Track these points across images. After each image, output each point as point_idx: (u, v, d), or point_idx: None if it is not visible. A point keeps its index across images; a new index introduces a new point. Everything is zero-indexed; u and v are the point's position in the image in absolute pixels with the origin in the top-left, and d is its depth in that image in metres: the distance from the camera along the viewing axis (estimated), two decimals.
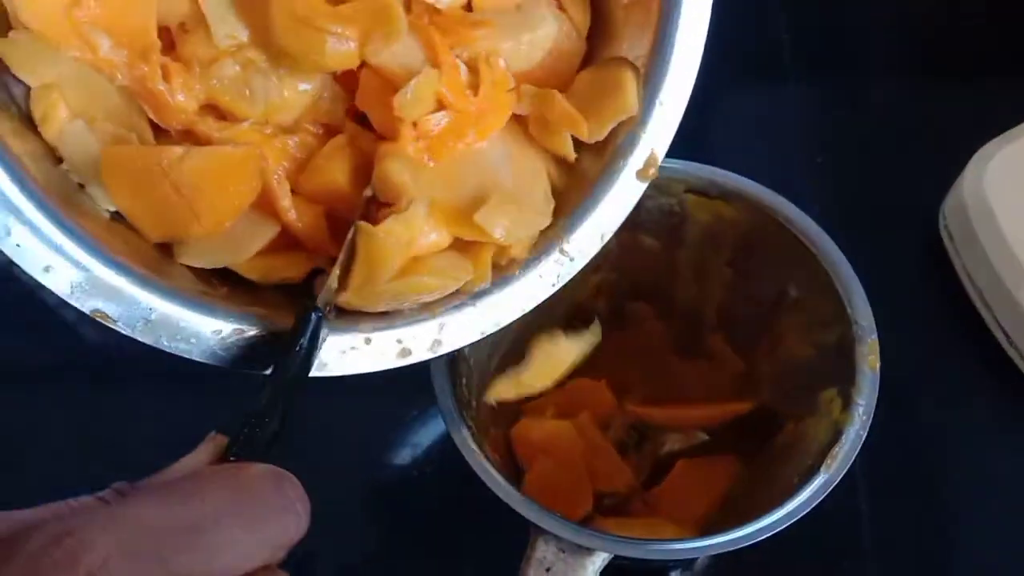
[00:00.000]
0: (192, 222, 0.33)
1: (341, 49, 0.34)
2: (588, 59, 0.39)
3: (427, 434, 0.56)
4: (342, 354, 0.34)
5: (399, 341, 0.35)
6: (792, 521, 0.41)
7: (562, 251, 0.36)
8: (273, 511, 0.27)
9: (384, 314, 0.35)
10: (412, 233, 0.34)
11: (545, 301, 0.37)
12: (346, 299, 0.34)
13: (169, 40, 0.35)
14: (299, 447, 0.53)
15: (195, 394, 0.54)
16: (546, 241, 0.36)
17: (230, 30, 0.34)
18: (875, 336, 0.44)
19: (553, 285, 0.37)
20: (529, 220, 0.36)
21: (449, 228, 0.35)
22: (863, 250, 0.59)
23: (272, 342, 0.33)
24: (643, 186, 0.37)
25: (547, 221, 0.36)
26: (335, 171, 0.35)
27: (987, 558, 0.54)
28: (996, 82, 0.67)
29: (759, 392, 0.52)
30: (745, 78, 0.70)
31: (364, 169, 0.35)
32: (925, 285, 0.61)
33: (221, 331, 0.33)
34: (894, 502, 0.54)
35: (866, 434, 0.42)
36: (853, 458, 0.42)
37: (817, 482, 0.41)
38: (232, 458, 0.29)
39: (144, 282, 0.32)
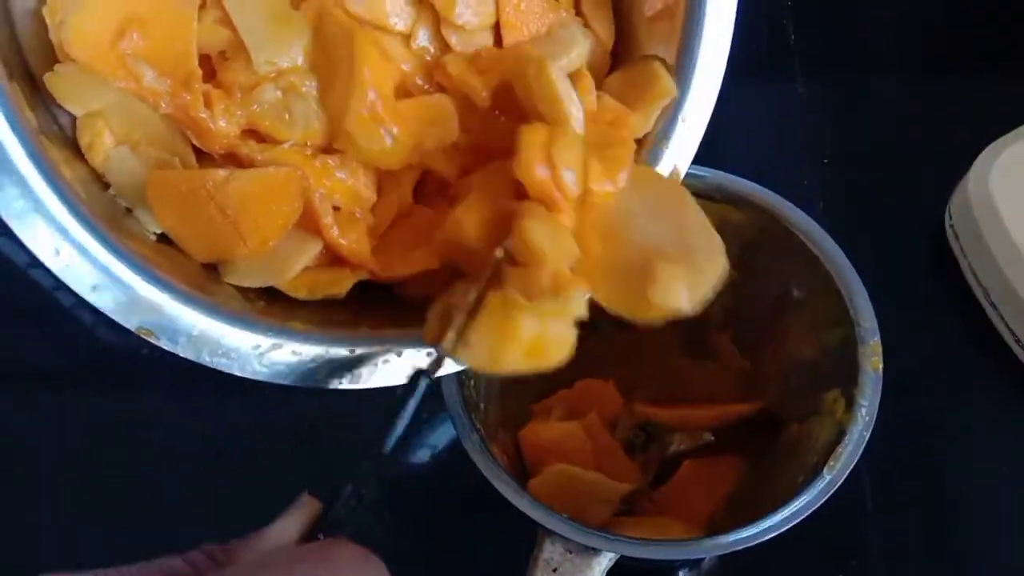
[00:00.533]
0: (237, 243, 0.34)
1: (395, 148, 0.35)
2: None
3: (437, 435, 0.57)
4: (373, 368, 0.35)
5: (430, 354, 0.35)
6: (796, 521, 0.41)
7: None
8: None
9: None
10: (567, 314, 0.32)
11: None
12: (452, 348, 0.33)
13: (209, 68, 0.36)
14: (309, 447, 0.55)
15: (211, 396, 0.55)
16: None
17: (269, 56, 0.35)
18: (878, 338, 0.44)
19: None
20: (706, 276, 0.34)
21: (613, 306, 0.33)
22: (869, 249, 0.59)
23: (310, 355, 0.34)
24: None
25: (724, 266, 0.34)
26: (469, 225, 0.34)
27: (994, 556, 0.54)
28: (1002, 80, 0.67)
29: (764, 392, 0.52)
30: (751, 78, 0.69)
31: (495, 224, 0.34)
32: (931, 284, 0.62)
33: (260, 346, 0.34)
34: (900, 500, 0.55)
35: (869, 434, 0.43)
36: (857, 458, 0.42)
37: (821, 482, 0.42)
38: (321, 532, 0.29)
39: (187, 299, 0.33)
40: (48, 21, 0.34)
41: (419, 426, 0.57)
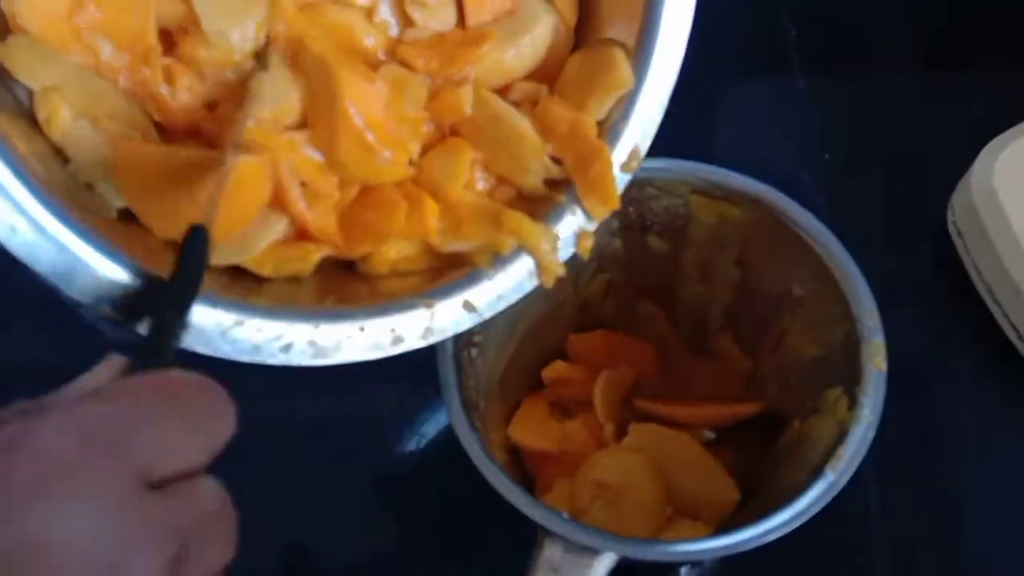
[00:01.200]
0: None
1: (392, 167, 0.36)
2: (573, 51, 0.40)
3: (433, 425, 0.56)
4: (337, 343, 0.35)
5: (392, 329, 0.35)
6: (800, 522, 0.41)
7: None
8: (206, 413, 0.26)
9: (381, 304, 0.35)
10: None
11: (530, 294, 0.37)
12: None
13: (169, 41, 0.35)
14: (306, 438, 0.55)
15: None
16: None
17: (220, 27, 0.34)
18: (881, 336, 0.44)
19: (521, 292, 0.37)
20: None
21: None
22: (871, 246, 0.59)
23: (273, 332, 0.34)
24: (627, 178, 0.38)
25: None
26: None
27: (998, 552, 0.54)
28: (1005, 74, 0.66)
29: (765, 390, 0.52)
30: (751, 73, 0.70)
31: None
32: (934, 280, 0.61)
33: (221, 323, 0.33)
34: (904, 498, 0.55)
35: (873, 434, 0.42)
36: (860, 458, 0.42)
37: (824, 482, 0.41)
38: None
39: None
40: None
41: (416, 419, 0.56)
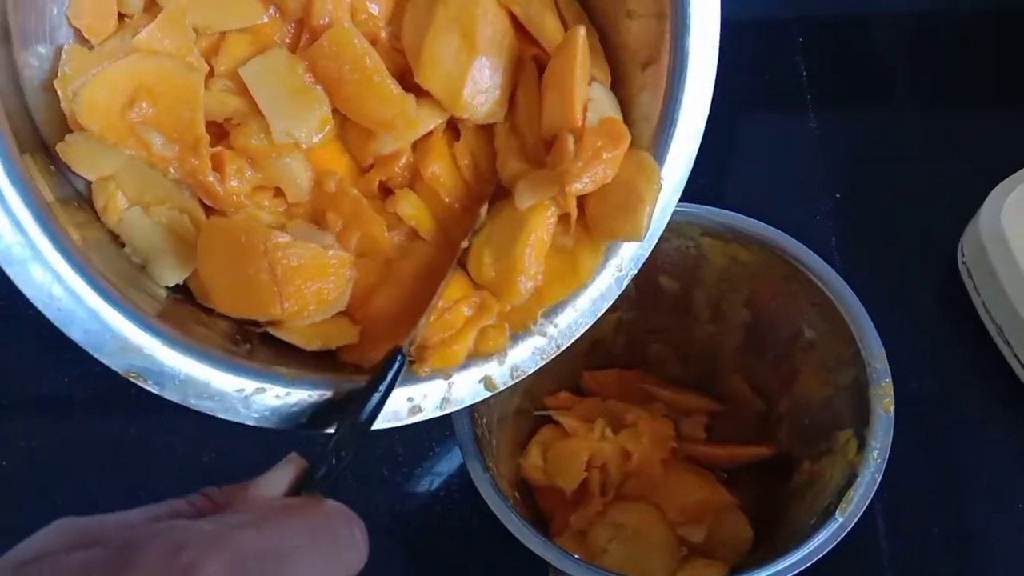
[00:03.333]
0: (274, 303, 0.35)
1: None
2: None
3: (447, 463, 0.57)
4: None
5: (410, 399, 0.36)
6: (808, 564, 0.41)
7: (544, 334, 0.38)
8: (344, 546, 0.29)
9: None
10: None
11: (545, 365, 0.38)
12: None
13: (217, 132, 0.37)
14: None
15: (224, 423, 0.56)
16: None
17: (287, 128, 0.37)
18: (889, 379, 0.44)
19: (541, 359, 0.38)
20: None
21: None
22: (881, 284, 0.59)
23: (296, 400, 0.35)
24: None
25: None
26: None
27: None
28: (1015, 114, 0.67)
29: (777, 431, 0.52)
30: (763, 112, 0.70)
31: None
32: (944, 319, 0.61)
33: (243, 389, 0.34)
34: (914, 536, 0.55)
35: (881, 476, 0.43)
36: (868, 501, 0.42)
37: (833, 525, 0.42)
38: (306, 489, 0.31)
39: (174, 343, 0.34)
40: (60, 93, 0.35)
41: (427, 454, 0.57)
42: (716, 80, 0.38)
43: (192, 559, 0.25)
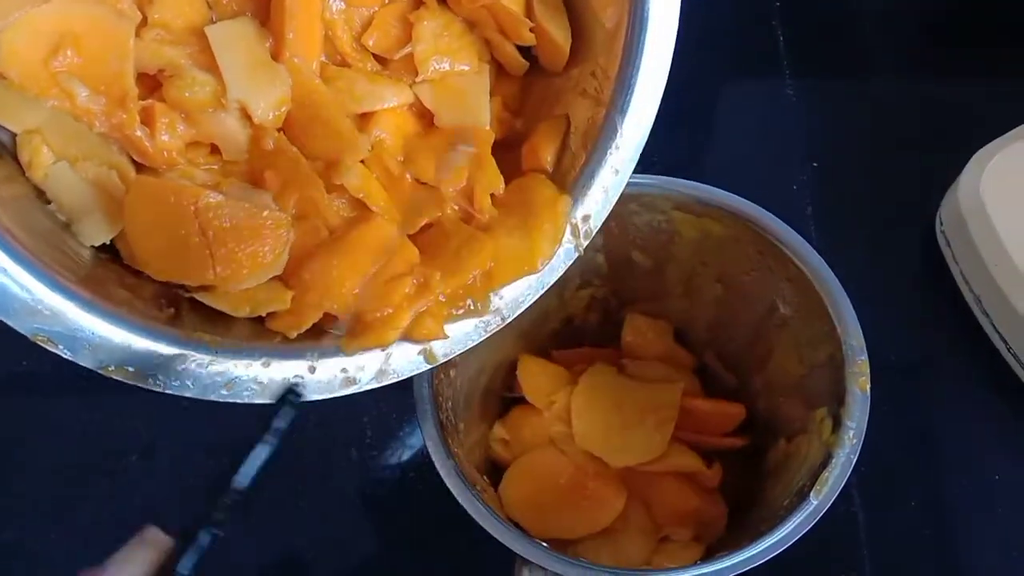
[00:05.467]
0: (206, 268, 0.33)
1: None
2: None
3: (416, 436, 0.56)
4: (285, 381, 0.34)
5: (344, 370, 0.35)
6: (783, 548, 0.40)
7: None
8: None
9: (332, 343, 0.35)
10: None
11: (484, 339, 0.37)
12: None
13: (149, 84, 0.35)
14: (291, 451, 0.54)
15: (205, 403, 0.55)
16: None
17: (243, 98, 0.35)
18: (865, 357, 0.43)
19: (485, 332, 0.36)
20: None
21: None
22: (859, 255, 0.58)
23: (218, 369, 0.34)
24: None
25: None
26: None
27: (987, 566, 0.53)
28: (994, 82, 0.66)
29: (751, 409, 0.51)
30: (740, 79, 0.69)
31: None
32: (922, 289, 0.60)
33: (161, 354, 0.33)
34: (891, 511, 0.54)
35: (856, 457, 0.42)
36: (844, 481, 0.41)
37: (808, 507, 0.41)
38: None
39: (89, 306, 0.32)
40: None
41: (398, 431, 0.56)
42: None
43: None
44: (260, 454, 0.31)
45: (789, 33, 0.69)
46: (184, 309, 0.35)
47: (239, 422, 0.54)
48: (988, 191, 0.56)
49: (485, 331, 0.36)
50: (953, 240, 0.58)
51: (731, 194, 0.47)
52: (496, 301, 0.36)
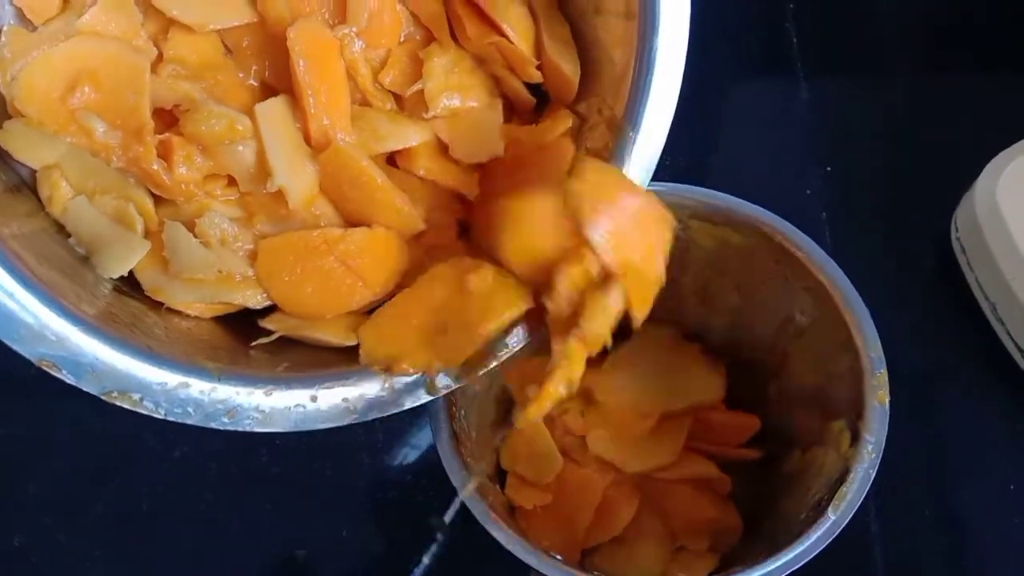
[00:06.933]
0: (357, 290, 0.35)
1: None
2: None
3: (423, 437, 0.55)
4: (287, 410, 0.34)
5: (345, 400, 0.35)
6: (801, 563, 0.40)
7: None
8: None
9: (333, 372, 0.35)
10: None
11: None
12: None
13: (166, 120, 0.36)
14: (296, 451, 0.54)
15: None
16: None
17: (285, 181, 0.36)
18: (884, 369, 0.43)
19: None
20: None
21: None
22: (874, 260, 0.58)
23: (221, 396, 0.34)
24: None
25: None
26: None
27: (1002, 573, 0.53)
28: (1012, 86, 0.65)
29: (766, 418, 0.51)
30: (753, 82, 0.68)
31: None
32: (937, 296, 0.60)
33: (167, 383, 0.33)
34: (906, 520, 0.54)
35: (875, 472, 0.41)
36: (862, 496, 0.41)
37: (826, 523, 0.40)
38: None
39: (94, 332, 0.33)
40: None
41: (407, 431, 0.55)
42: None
43: None
44: None
45: (802, 32, 0.68)
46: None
47: (246, 434, 0.55)
48: (1005, 197, 0.55)
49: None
50: (968, 246, 0.57)
51: (750, 203, 0.46)
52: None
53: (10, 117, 0.34)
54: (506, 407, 0.52)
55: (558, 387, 0.33)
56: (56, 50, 0.34)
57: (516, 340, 0.36)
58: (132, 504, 0.54)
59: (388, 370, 0.34)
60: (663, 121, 0.36)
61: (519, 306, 0.34)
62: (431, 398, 0.36)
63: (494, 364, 0.36)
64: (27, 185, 0.36)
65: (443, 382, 0.36)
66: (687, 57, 0.36)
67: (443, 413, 0.43)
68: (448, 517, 0.35)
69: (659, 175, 0.42)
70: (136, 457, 0.55)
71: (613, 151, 0.36)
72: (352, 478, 0.55)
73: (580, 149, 0.38)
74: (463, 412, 0.45)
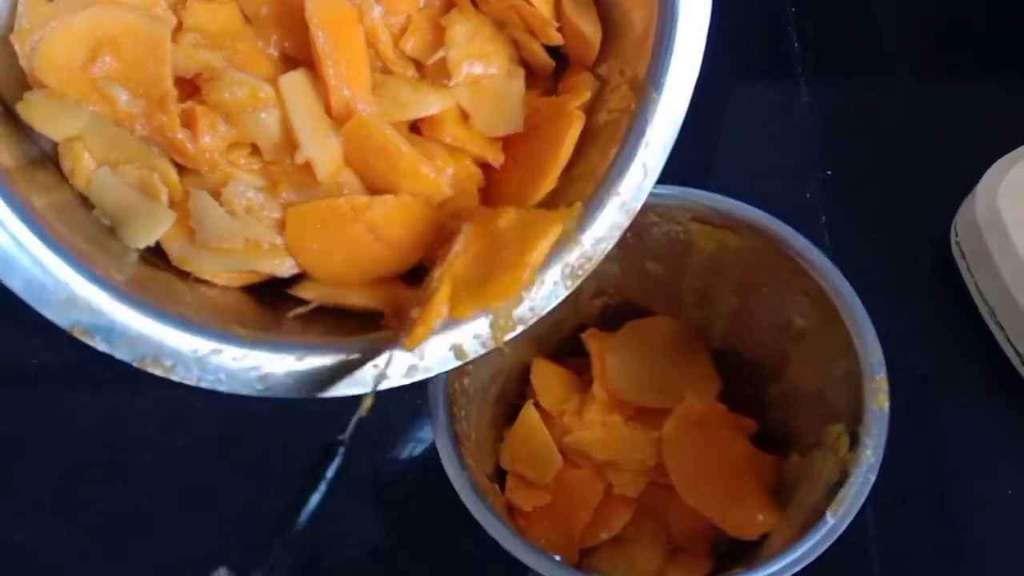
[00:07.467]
0: (385, 257, 0.36)
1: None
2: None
3: (426, 430, 0.55)
4: (318, 373, 0.34)
5: (375, 366, 0.34)
6: (799, 567, 0.40)
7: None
8: None
9: (363, 338, 0.35)
10: None
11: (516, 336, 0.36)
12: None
13: (188, 88, 0.35)
14: (301, 439, 0.54)
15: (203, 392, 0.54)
16: None
17: (311, 152, 0.36)
18: (884, 374, 0.43)
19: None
20: None
21: None
22: (873, 264, 0.58)
23: (252, 363, 0.34)
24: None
25: None
26: None
27: (1000, 574, 0.53)
28: (1013, 90, 0.65)
29: (763, 420, 0.51)
30: (753, 85, 0.68)
31: None
32: (936, 300, 0.60)
33: (199, 350, 0.33)
34: (903, 522, 0.54)
35: (874, 477, 0.41)
36: (862, 501, 0.41)
37: (824, 527, 0.41)
38: None
39: (126, 299, 0.32)
40: (17, 48, 0.33)
41: (411, 425, 0.55)
42: (704, 51, 0.36)
43: None
44: (311, 502, 0.32)
45: (804, 38, 0.68)
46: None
47: (248, 422, 0.55)
48: (1005, 202, 0.55)
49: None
50: (968, 251, 0.57)
51: (751, 207, 0.46)
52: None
53: (30, 89, 0.34)
54: (506, 407, 0.52)
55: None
56: (75, 19, 0.33)
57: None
58: (132, 500, 0.54)
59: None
60: (687, 80, 0.35)
61: (556, 228, 0.34)
62: (460, 363, 0.35)
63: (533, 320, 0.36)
64: (50, 158, 0.35)
65: (472, 347, 0.35)
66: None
67: (443, 413, 0.43)
68: (345, 436, 0.34)
69: (660, 177, 0.42)
70: (137, 453, 0.55)
71: (636, 112, 0.36)
72: (359, 470, 0.55)
73: (601, 111, 0.38)
74: (464, 412, 0.45)
